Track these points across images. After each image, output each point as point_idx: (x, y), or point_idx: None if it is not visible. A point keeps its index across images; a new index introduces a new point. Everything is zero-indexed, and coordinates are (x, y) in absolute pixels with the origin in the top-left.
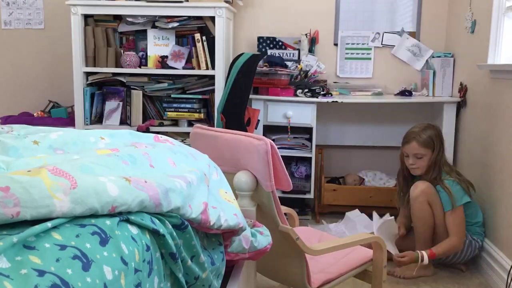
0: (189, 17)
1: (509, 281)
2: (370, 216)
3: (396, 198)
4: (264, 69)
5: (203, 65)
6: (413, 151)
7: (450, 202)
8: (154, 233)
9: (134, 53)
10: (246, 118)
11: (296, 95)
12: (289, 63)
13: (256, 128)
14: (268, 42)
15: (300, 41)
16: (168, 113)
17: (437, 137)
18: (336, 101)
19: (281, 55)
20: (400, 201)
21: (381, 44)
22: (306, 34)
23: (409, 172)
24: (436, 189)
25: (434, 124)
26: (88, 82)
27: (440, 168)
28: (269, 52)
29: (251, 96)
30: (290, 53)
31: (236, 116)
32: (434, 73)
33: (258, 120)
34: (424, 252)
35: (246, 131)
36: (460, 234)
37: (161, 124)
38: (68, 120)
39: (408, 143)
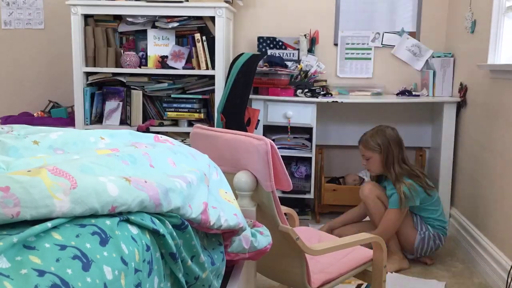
0: (189, 17)
1: (509, 281)
2: None
3: None
4: (264, 69)
5: (203, 65)
6: (361, 153)
7: (394, 203)
8: (154, 233)
9: (134, 53)
10: (246, 118)
11: (296, 95)
12: (289, 63)
13: (256, 128)
14: (268, 42)
15: (300, 41)
16: (168, 113)
17: (385, 140)
18: (336, 101)
19: (281, 55)
20: None
21: (381, 44)
22: (305, 35)
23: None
24: (381, 187)
25: (391, 126)
26: (88, 82)
27: (395, 169)
28: (269, 52)
29: (251, 96)
30: (290, 53)
31: (236, 116)
32: (434, 73)
33: (258, 120)
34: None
35: (246, 131)
36: (385, 231)
37: (161, 124)
38: (68, 120)
39: (359, 144)
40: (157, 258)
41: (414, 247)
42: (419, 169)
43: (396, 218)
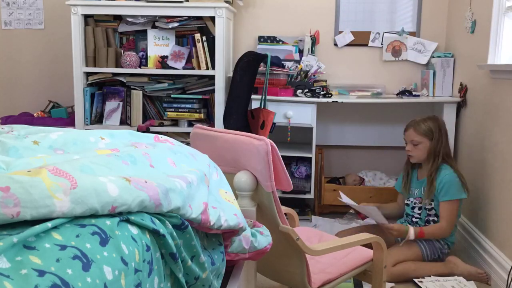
0: (189, 17)
1: (509, 281)
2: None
3: (400, 184)
4: (261, 69)
5: (203, 65)
6: (410, 138)
7: (448, 193)
8: (154, 233)
9: (134, 53)
10: (260, 120)
11: (296, 95)
12: (289, 63)
13: (271, 132)
14: (269, 41)
15: (300, 40)
16: (168, 113)
17: (437, 128)
18: (336, 101)
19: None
20: (402, 188)
21: (381, 44)
22: (311, 36)
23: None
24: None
25: (439, 117)
26: (88, 82)
27: (439, 159)
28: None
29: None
30: (290, 50)
31: (235, 117)
32: (434, 73)
33: (274, 124)
34: (412, 228)
35: (251, 132)
36: (451, 222)
37: (161, 124)
38: (68, 120)
39: (407, 130)
40: (157, 258)
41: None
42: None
43: (457, 209)
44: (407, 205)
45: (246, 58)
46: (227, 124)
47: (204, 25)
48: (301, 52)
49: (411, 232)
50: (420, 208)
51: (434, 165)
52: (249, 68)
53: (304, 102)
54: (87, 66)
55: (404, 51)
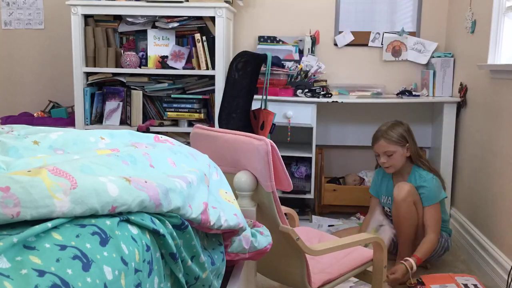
0: (189, 17)
1: (509, 281)
2: None
3: (374, 188)
4: (262, 69)
5: (203, 65)
6: (382, 150)
7: (430, 197)
8: (154, 233)
9: (134, 53)
10: (260, 121)
11: (296, 95)
12: (289, 63)
13: (271, 133)
14: (269, 41)
15: (300, 40)
16: (168, 113)
17: (406, 132)
18: (336, 101)
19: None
20: (376, 192)
21: (381, 44)
22: (311, 36)
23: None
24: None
25: (402, 121)
26: (88, 82)
27: (413, 163)
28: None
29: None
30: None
31: (234, 119)
32: (434, 73)
33: (274, 124)
34: (411, 260)
35: (253, 132)
36: (437, 230)
37: (161, 124)
38: (68, 120)
39: (376, 141)
40: (157, 258)
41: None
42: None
43: (439, 212)
44: (383, 202)
45: (243, 58)
46: (226, 125)
47: (204, 25)
48: (301, 52)
49: (414, 265)
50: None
51: (408, 170)
52: (247, 68)
53: (304, 102)
54: (87, 66)
55: (404, 51)
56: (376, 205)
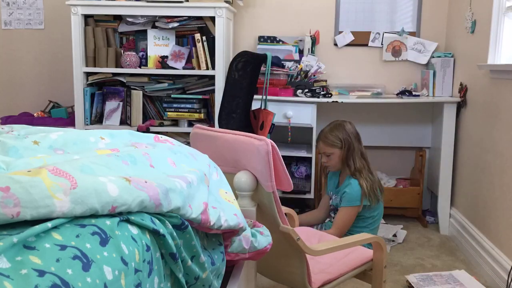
0: (189, 17)
1: (509, 281)
2: None
3: (324, 191)
4: (262, 69)
5: (203, 65)
6: (322, 150)
7: (346, 200)
8: (154, 233)
9: (134, 53)
10: (260, 121)
11: (296, 95)
12: (289, 63)
13: (270, 133)
14: (269, 41)
15: (300, 40)
16: (168, 113)
17: (345, 135)
18: (336, 101)
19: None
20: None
21: (381, 44)
22: (311, 36)
23: None
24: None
25: (348, 121)
26: (88, 82)
27: (350, 168)
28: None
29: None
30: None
31: (234, 120)
32: (434, 73)
33: (273, 124)
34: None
35: (252, 132)
36: (340, 229)
37: (161, 124)
38: (68, 120)
39: (317, 142)
40: (157, 258)
41: None
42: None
43: (352, 215)
44: (331, 200)
45: (243, 58)
46: (226, 125)
47: (204, 25)
48: (301, 52)
49: None
50: (335, 211)
51: (351, 169)
52: (247, 68)
53: (304, 102)
54: (87, 66)
55: (404, 51)
56: (324, 203)
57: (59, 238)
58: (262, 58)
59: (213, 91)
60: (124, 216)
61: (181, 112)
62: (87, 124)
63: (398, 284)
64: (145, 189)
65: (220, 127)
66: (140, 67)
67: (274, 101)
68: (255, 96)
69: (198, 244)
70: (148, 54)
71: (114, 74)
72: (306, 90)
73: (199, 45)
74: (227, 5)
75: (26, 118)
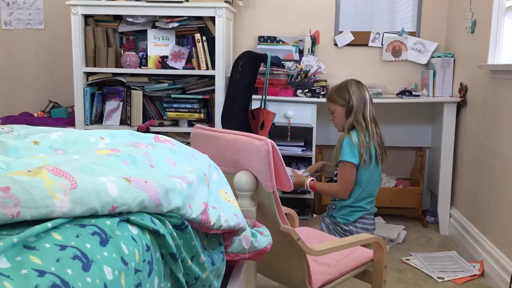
0: (189, 17)
1: (511, 282)
2: None
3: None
4: (262, 69)
5: (203, 65)
6: (327, 108)
7: (341, 154)
8: (154, 233)
9: (134, 53)
10: (260, 121)
11: (296, 95)
12: (289, 63)
13: (270, 132)
14: (269, 41)
15: (300, 40)
16: (168, 113)
17: (347, 93)
18: None
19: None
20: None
21: (381, 44)
22: (311, 36)
23: None
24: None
25: (358, 81)
26: (88, 82)
27: (351, 122)
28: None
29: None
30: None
31: (234, 120)
32: (434, 73)
33: (273, 124)
34: (309, 181)
35: (252, 132)
36: (343, 186)
37: (161, 124)
38: (68, 120)
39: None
40: (157, 258)
41: None
42: (381, 135)
43: (348, 171)
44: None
45: (245, 58)
46: (227, 125)
47: (204, 25)
48: (301, 52)
49: (306, 182)
50: None
51: (345, 130)
52: (248, 68)
53: (304, 102)
54: (87, 66)
55: (404, 51)
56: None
57: (59, 238)
58: (263, 57)
59: (213, 91)
60: (124, 216)
61: (181, 112)
62: (87, 124)
63: (398, 284)
64: (145, 189)
65: (223, 127)
66: (140, 67)
67: (274, 101)
68: (255, 96)
69: (198, 244)
70: (148, 54)
71: (114, 74)
72: (306, 90)
73: (199, 45)
74: (227, 5)
75: (26, 118)
